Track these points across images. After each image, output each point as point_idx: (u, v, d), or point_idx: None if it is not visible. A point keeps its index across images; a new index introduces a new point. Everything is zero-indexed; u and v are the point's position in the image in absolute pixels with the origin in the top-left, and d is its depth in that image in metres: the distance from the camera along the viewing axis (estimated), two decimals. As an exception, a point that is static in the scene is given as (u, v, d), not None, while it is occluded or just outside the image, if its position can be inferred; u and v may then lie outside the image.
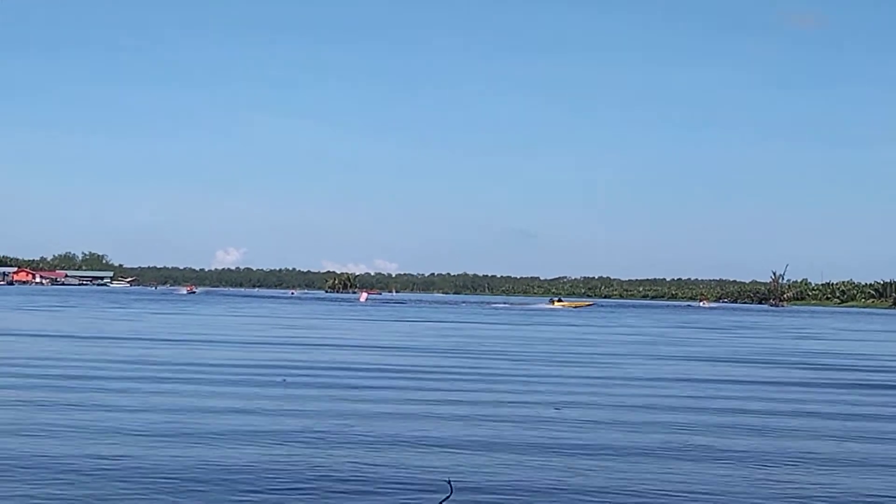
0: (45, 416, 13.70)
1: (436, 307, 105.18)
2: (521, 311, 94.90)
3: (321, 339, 36.12)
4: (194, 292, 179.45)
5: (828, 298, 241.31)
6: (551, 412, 15.50)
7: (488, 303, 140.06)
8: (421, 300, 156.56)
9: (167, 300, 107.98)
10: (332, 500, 9.11)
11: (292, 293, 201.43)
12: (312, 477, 9.97)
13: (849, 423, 15.26)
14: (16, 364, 21.65)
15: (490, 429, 13.50)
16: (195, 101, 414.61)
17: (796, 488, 10.15)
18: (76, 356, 24.48)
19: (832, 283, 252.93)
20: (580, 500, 9.41)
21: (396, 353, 29.04)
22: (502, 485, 9.72)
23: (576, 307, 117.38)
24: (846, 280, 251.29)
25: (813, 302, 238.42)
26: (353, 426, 13.33)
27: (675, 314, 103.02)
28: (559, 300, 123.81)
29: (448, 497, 6.29)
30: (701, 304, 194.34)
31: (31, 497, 8.92)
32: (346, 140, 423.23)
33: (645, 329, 57.25)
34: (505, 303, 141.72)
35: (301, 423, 13.56)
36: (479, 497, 8.95)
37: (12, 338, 31.89)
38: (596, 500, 9.42)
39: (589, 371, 24.32)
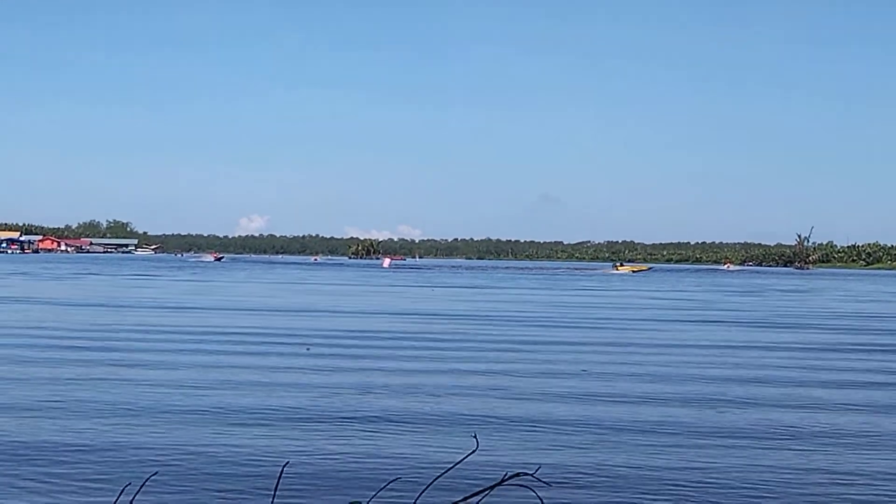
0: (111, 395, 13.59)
1: (486, 273, 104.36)
2: (588, 276, 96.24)
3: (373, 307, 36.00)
4: (222, 259, 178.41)
5: (853, 261, 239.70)
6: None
7: (549, 268, 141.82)
8: (460, 266, 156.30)
9: (195, 267, 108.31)
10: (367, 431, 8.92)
11: (315, 259, 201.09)
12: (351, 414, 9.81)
13: None
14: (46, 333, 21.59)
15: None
16: (218, 72, 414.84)
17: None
18: (103, 325, 24.44)
19: (858, 245, 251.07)
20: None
21: (509, 326, 27.99)
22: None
23: (634, 271, 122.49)
24: (872, 242, 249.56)
25: (839, 264, 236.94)
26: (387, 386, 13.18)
27: (710, 277, 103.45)
28: (621, 264, 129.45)
29: (474, 451, 6.03)
30: (726, 267, 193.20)
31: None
32: (369, 106, 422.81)
33: (700, 294, 56.96)
34: (569, 268, 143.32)
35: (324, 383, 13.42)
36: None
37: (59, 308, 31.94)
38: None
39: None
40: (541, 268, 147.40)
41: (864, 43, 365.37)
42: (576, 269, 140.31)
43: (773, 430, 11.42)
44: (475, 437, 7.97)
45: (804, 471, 9.46)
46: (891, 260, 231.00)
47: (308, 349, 19.17)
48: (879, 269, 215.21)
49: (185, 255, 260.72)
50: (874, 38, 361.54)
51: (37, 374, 14.95)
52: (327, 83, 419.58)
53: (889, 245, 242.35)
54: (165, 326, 24.70)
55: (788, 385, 15.37)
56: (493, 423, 11.49)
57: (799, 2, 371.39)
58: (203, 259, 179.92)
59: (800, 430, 11.51)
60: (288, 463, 8.18)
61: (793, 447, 10.53)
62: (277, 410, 12.05)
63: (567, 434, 10.94)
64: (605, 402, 13.27)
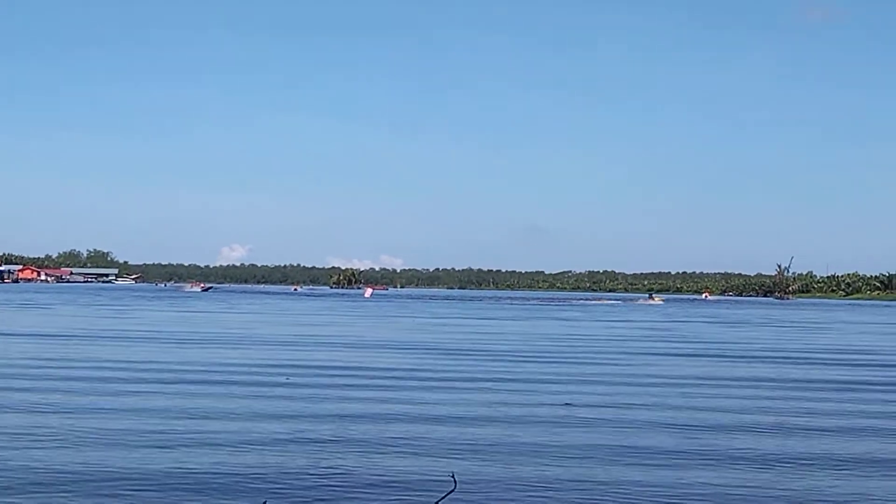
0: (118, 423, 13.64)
1: (498, 307, 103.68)
2: (631, 307, 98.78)
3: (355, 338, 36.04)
4: (209, 289, 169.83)
5: (833, 291, 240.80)
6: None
7: (591, 299, 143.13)
8: (454, 296, 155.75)
9: (180, 297, 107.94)
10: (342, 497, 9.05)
11: (295, 289, 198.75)
12: (321, 474, 9.92)
13: None
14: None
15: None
16: (200, 99, 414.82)
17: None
18: (83, 358, 24.43)
19: (837, 276, 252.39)
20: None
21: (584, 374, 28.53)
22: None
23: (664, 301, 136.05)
24: (851, 272, 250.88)
25: (818, 294, 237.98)
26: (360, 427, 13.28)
27: (702, 307, 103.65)
28: (652, 297, 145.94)
29: (452, 491, 6.23)
30: (704, 297, 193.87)
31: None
32: (351, 135, 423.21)
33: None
34: (613, 300, 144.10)
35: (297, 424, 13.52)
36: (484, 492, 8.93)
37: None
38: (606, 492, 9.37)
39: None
40: (560, 299, 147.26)
41: (845, 76, 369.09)
42: (609, 300, 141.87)
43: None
44: (453, 476, 8.11)
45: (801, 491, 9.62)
46: (870, 290, 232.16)
47: (287, 379, 19.26)
48: (858, 298, 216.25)
49: (167, 284, 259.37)
50: (854, 71, 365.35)
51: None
52: (310, 112, 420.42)
53: (868, 275, 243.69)
54: (132, 361, 24.67)
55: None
56: (471, 455, 11.62)
57: (779, 38, 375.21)
58: (185, 289, 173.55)
59: (787, 455, 11.69)
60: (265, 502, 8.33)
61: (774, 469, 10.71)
62: (258, 437, 12.14)
63: (548, 468, 11.07)
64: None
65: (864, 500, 9.59)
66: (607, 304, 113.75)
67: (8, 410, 14.25)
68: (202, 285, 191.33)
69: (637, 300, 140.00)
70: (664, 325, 54.06)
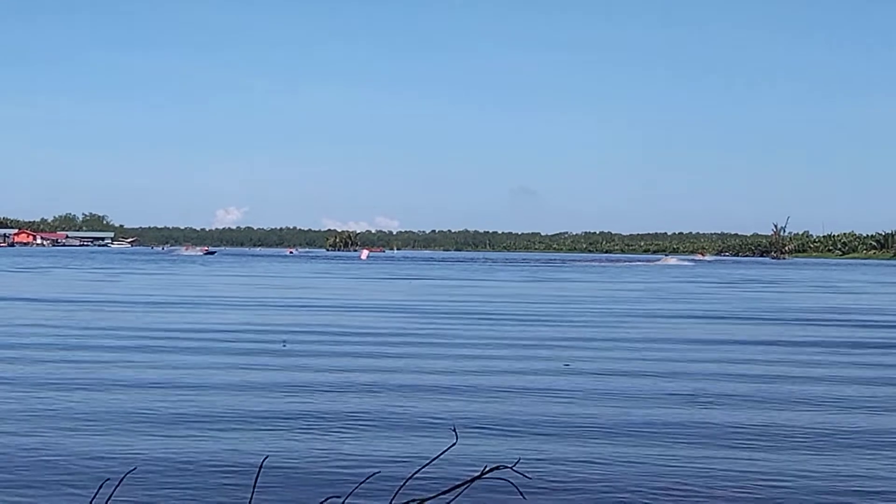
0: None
1: (513, 267, 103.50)
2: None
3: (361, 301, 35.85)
4: (214, 253, 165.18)
5: (829, 250, 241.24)
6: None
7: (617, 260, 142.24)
8: (474, 259, 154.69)
9: (180, 261, 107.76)
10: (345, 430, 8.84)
11: (290, 252, 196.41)
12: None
13: None
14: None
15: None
16: (195, 65, 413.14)
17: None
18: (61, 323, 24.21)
19: (833, 235, 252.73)
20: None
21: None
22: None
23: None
24: (847, 232, 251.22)
25: (814, 254, 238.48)
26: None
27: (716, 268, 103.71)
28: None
29: (453, 445, 5.99)
30: (703, 257, 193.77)
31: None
32: (347, 98, 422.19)
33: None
34: (631, 261, 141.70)
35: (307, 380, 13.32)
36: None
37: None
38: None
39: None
40: (570, 260, 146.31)
41: (841, 34, 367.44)
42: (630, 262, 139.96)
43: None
44: (454, 430, 7.90)
45: (807, 473, 9.42)
46: (866, 249, 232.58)
47: (284, 344, 19.01)
48: (855, 258, 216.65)
49: (164, 248, 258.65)
50: (850, 29, 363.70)
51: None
52: (305, 75, 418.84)
53: (864, 234, 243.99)
54: (134, 325, 24.48)
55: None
56: (471, 418, 11.42)
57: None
58: (181, 252, 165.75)
59: (792, 429, 11.49)
60: (267, 457, 8.09)
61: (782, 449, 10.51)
62: (253, 410, 11.94)
63: (547, 428, 10.88)
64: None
65: None
66: (623, 266, 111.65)
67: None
68: (204, 249, 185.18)
69: (657, 261, 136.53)
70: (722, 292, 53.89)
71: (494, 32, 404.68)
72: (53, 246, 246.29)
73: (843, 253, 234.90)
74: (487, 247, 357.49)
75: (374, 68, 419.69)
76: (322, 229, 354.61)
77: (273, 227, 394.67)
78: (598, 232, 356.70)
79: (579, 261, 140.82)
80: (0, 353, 16.83)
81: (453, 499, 5.11)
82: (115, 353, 16.98)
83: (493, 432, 10.48)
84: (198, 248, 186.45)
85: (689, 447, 9.94)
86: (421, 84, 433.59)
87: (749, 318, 29.09)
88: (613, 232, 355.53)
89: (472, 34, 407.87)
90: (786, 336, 22.68)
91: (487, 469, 4.80)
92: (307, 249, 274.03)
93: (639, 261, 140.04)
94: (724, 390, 13.60)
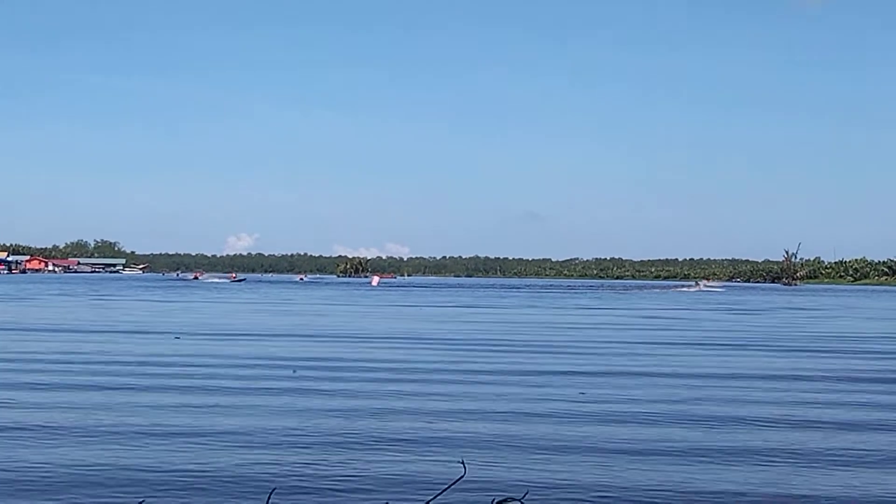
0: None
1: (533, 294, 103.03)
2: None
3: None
4: (243, 280, 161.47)
5: (841, 276, 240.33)
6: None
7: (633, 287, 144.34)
8: (470, 284, 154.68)
9: (203, 288, 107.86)
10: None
11: (301, 278, 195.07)
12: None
13: None
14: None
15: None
16: (206, 90, 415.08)
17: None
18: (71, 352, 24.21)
19: (845, 261, 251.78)
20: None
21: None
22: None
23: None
24: (859, 258, 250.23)
25: (826, 280, 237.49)
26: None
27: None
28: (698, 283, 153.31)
29: (462, 477, 6.00)
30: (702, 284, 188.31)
31: None
32: (357, 125, 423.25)
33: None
34: (655, 287, 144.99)
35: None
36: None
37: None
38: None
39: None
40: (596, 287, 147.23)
41: (852, 60, 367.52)
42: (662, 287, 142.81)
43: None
44: (462, 463, 7.88)
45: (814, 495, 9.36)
46: (878, 275, 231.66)
47: (294, 372, 19.03)
48: (867, 284, 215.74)
49: (178, 274, 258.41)
50: (862, 55, 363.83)
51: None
52: (315, 102, 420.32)
53: (876, 261, 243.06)
54: (137, 354, 24.49)
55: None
56: (481, 445, 11.38)
57: (784, 23, 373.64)
58: (208, 280, 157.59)
59: (800, 449, 11.41)
60: (275, 490, 8.09)
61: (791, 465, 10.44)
62: (266, 432, 11.91)
63: (557, 456, 10.83)
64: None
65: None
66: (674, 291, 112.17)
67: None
68: (232, 276, 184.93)
69: (681, 287, 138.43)
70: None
71: (501, 58, 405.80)
72: (65, 273, 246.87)
73: (855, 279, 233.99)
74: (498, 273, 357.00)
75: (383, 95, 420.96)
76: (333, 255, 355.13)
77: (284, 254, 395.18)
78: (608, 258, 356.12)
79: (614, 288, 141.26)
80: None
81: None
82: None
83: (503, 462, 10.45)
84: (223, 276, 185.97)
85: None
86: (429, 110, 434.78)
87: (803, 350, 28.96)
88: (624, 258, 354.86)
89: (480, 61, 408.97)
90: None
91: (495, 502, 4.80)
92: (317, 276, 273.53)
93: (656, 288, 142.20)
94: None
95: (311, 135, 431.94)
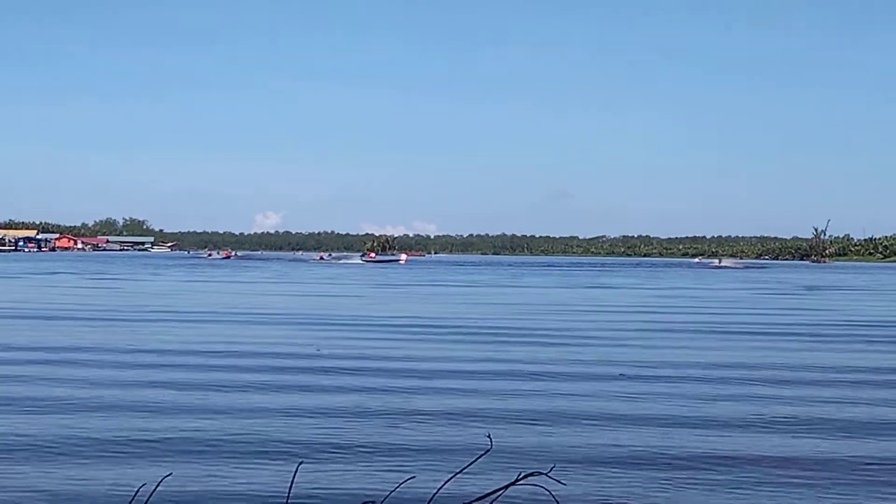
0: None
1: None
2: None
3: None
4: (230, 257, 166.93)
5: (870, 254, 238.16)
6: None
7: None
8: (502, 262, 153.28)
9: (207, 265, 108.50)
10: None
11: (321, 257, 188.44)
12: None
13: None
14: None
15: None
16: (233, 67, 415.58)
17: None
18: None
19: (875, 238, 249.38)
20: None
21: None
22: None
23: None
24: (889, 235, 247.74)
25: (855, 257, 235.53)
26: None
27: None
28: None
29: (488, 451, 6.01)
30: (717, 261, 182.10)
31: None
32: (385, 102, 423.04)
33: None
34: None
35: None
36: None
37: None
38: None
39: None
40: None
41: (882, 34, 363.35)
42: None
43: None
44: (489, 436, 7.90)
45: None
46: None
47: (318, 350, 18.89)
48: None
49: (190, 251, 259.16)
50: (893, 28, 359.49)
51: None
52: (343, 78, 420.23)
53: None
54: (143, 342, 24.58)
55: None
56: (507, 420, 11.43)
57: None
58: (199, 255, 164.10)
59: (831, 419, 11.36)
60: (301, 462, 8.14)
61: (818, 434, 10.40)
62: (292, 407, 12.00)
63: (585, 433, 10.86)
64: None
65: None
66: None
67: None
68: (225, 252, 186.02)
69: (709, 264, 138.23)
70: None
71: (530, 33, 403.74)
72: (94, 250, 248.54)
73: (885, 256, 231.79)
74: (525, 250, 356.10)
75: (410, 71, 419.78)
76: (360, 233, 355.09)
77: (311, 232, 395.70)
78: (635, 236, 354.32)
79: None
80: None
81: (489, 504, 5.12)
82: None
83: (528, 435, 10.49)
84: (212, 252, 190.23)
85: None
86: (456, 87, 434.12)
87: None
88: (652, 235, 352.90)
89: (508, 35, 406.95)
90: None
91: (522, 476, 4.80)
92: (344, 252, 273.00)
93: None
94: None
95: (339, 112, 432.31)
